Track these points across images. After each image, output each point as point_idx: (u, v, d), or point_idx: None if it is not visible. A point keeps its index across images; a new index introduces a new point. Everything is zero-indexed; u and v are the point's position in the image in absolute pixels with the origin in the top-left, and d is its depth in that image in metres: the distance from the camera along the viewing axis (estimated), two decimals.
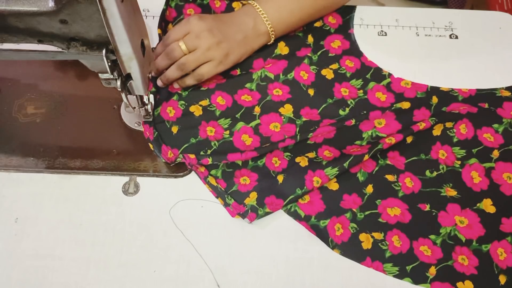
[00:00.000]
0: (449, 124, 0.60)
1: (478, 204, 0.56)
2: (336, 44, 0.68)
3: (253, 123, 0.60)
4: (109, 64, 0.46)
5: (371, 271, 0.53)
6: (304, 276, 0.52)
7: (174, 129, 0.59)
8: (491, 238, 0.54)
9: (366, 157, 0.56)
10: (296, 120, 0.61)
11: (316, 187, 0.56)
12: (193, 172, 0.58)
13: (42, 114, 0.62)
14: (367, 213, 0.55)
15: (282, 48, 0.67)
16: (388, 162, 0.58)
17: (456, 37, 0.71)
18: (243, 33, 0.63)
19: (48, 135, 0.60)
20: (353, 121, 0.60)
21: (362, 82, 0.64)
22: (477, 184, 0.57)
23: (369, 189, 0.57)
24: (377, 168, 0.58)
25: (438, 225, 0.55)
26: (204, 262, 0.52)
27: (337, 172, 0.56)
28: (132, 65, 0.47)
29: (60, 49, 0.46)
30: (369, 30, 0.71)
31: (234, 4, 0.71)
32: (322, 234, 0.54)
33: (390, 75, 0.65)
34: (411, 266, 0.52)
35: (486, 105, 0.62)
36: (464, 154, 0.59)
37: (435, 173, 0.58)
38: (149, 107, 0.58)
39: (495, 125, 0.61)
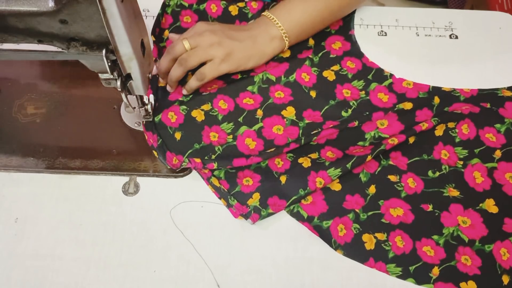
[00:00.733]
0: (451, 124, 0.60)
1: (480, 204, 0.56)
2: (337, 45, 0.68)
3: (256, 127, 0.60)
4: (109, 64, 0.46)
5: (371, 271, 0.53)
6: (304, 276, 0.52)
7: (177, 135, 0.59)
8: (494, 238, 0.54)
9: (369, 158, 0.56)
10: (299, 123, 0.61)
11: (319, 188, 0.56)
12: (193, 172, 0.58)
13: (42, 114, 0.62)
14: (370, 213, 0.55)
15: (284, 52, 0.66)
16: (390, 162, 0.58)
17: (456, 37, 0.71)
18: (252, 37, 0.62)
19: (48, 135, 0.60)
20: (356, 123, 0.60)
21: (364, 83, 0.64)
22: (480, 184, 0.57)
23: (372, 189, 0.57)
24: (379, 169, 0.58)
25: (441, 226, 0.55)
26: (204, 262, 0.52)
27: (340, 173, 0.56)
28: (132, 65, 0.47)
29: (60, 49, 0.46)
30: (369, 30, 0.71)
31: (231, 8, 0.70)
32: (325, 235, 0.54)
33: (391, 75, 0.65)
34: (414, 267, 0.52)
35: (488, 105, 0.62)
36: (466, 154, 0.59)
37: (437, 173, 0.58)
38: (149, 107, 0.58)
39: (497, 125, 0.61)
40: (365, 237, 0.54)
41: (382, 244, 0.54)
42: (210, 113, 0.60)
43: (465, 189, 0.57)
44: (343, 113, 0.62)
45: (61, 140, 0.60)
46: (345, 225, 0.54)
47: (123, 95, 0.52)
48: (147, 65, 0.52)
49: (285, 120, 0.61)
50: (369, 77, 0.65)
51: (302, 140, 0.58)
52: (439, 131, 0.60)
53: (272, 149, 0.57)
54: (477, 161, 0.59)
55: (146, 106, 0.57)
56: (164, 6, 0.70)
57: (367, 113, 0.62)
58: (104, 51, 0.45)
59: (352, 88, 0.64)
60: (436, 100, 0.63)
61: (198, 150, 0.58)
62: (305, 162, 0.57)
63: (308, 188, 0.55)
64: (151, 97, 0.60)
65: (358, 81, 0.64)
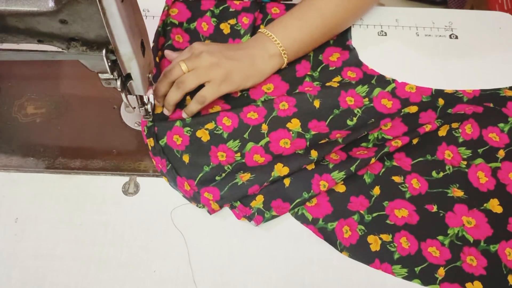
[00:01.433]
0: (455, 125, 0.60)
1: (485, 204, 0.56)
2: (334, 56, 0.67)
3: (262, 142, 0.59)
4: (109, 64, 0.46)
5: (371, 271, 0.53)
6: (304, 276, 0.52)
7: (186, 158, 0.58)
8: (499, 238, 0.54)
9: (373, 160, 0.56)
10: (305, 134, 0.60)
11: (323, 191, 0.55)
12: None
13: (42, 114, 0.62)
14: (374, 215, 0.55)
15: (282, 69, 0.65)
16: (394, 163, 0.58)
17: (456, 37, 0.71)
18: (250, 56, 0.61)
19: (48, 135, 0.60)
20: (365, 133, 0.59)
21: (367, 89, 0.64)
22: (484, 184, 0.57)
23: (376, 190, 0.57)
24: (383, 170, 0.58)
25: (446, 226, 0.55)
26: (204, 262, 0.52)
27: (344, 176, 0.55)
28: (132, 65, 0.47)
29: (60, 49, 0.46)
30: (369, 30, 0.71)
31: (222, 26, 0.69)
32: (330, 237, 0.54)
33: (394, 80, 0.65)
34: (419, 268, 0.52)
35: (491, 105, 0.62)
36: (470, 154, 0.59)
37: (441, 174, 0.58)
38: (149, 106, 0.58)
39: (501, 125, 0.61)
40: (370, 238, 0.54)
41: (388, 245, 0.54)
42: (215, 131, 0.59)
43: (469, 189, 0.57)
44: (349, 122, 0.62)
45: (61, 140, 0.60)
46: (350, 227, 0.54)
47: (123, 95, 0.52)
48: (147, 65, 0.51)
49: (291, 133, 0.60)
50: (373, 81, 0.65)
51: (316, 157, 0.56)
52: (442, 132, 0.60)
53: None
54: (481, 161, 0.59)
55: (146, 106, 0.57)
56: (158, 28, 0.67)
57: (373, 120, 0.61)
58: (104, 51, 0.45)
59: (356, 95, 0.63)
60: (441, 101, 0.63)
61: (208, 173, 0.57)
62: (308, 165, 0.57)
63: (312, 191, 0.55)
64: (151, 97, 0.60)
65: (362, 86, 0.64)
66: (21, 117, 0.61)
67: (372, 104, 0.63)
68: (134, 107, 0.56)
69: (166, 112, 0.61)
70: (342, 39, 0.69)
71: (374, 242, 0.54)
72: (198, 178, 0.56)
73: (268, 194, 0.56)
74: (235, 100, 0.63)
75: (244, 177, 0.55)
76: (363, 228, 0.54)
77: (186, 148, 0.58)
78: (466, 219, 0.55)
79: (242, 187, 0.55)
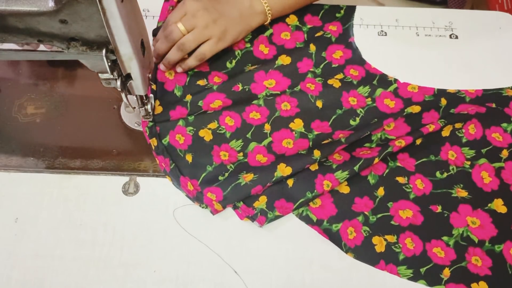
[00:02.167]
0: (458, 125, 0.60)
1: (489, 205, 0.56)
2: (338, 54, 0.67)
3: (265, 142, 0.59)
4: (109, 64, 0.46)
5: (371, 271, 0.53)
6: (304, 276, 0.52)
7: (189, 158, 0.58)
8: (504, 238, 0.54)
9: (376, 160, 0.56)
10: (308, 135, 0.60)
11: (326, 191, 0.55)
12: None
13: (42, 114, 0.62)
14: (379, 216, 0.55)
15: (284, 59, 0.66)
16: (398, 164, 0.58)
17: (456, 37, 0.71)
18: (239, 11, 0.64)
19: (48, 135, 0.60)
20: (368, 133, 0.59)
21: (369, 89, 0.64)
22: (488, 184, 0.57)
23: (381, 191, 0.57)
24: (387, 171, 0.58)
25: (450, 226, 0.55)
26: (203, 262, 0.52)
27: (347, 176, 0.55)
28: (132, 65, 0.47)
29: (60, 49, 0.46)
30: (369, 30, 0.71)
31: None
32: (335, 238, 0.54)
33: (396, 80, 0.65)
34: (425, 268, 0.52)
35: (494, 105, 0.62)
36: (474, 154, 0.59)
37: (445, 174, 0.58)
38: (149, 107, 0.58)
39: (504, 124, 0.61)
40: (375, 239, 0.54)
41: (392, 246, 0.53)
42: (218, 131, 0.59)
43: (473, 189, 0.57)
44: (351, 122, 0.61)
45: (61, 140, 0.60)
46: (354, 228, 0.54)
47: (123, 95, 0.52)
48: (147, 65, 0.52)
49: (294, 133, 0.60)
50: (374, 82, 0.65)
51: (318, 157, 0.56)
52: (445, 132, 0.60)
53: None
54: (485, 161, 0.59)
55: (146, 106, 0.57)
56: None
57: (376, 120, 0.61)
58: (104, 51, 0.45)
59: (358, 95, 0.63)
60: (443, 101, 0.63)
61: (211, 172, 0.57)
62: (313, 165, 0.57)
63: (315, 191, 0.55)
64: (151, 97, 0.60)
65: (363, 87, 0.64)
66: (21, 117, 0.61)
67: (375, 104, 0.63)
68: (134, 107, 0.56)
69: (162, 67, 0.63)
70: (344, 36, 0.69)
71: (379, 243, 0.54)
72: (201, 178, 0.56)
73: (271, 194, 0.55)
74: (236, 94, 0.63)
75: (247, 177, 0.55)
76: (367, 229, 0.54)
77: (189, 148, 0.58)
78: (471, 219, 0.55)
79: (245, 188, 0.55)
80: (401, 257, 0.53)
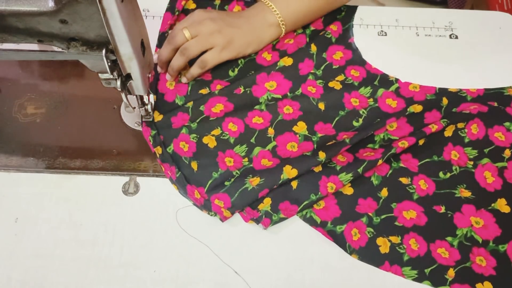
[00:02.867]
0: (460, 125, 0.60)
1: (492, 204, 0.56)
2: (338, 55, 0.67)
3: (269, 146, 0.59)
4: (109, 64, 0.46)
5: (371, 271, 0.53)
6: (304, 276, 0.52)
7: (194, 165, 0.57)
8: (508, 238, 0.54)
9: (380, 162, 0.56)
10: (312, 137, 0.60)
11: (330, 193, 0.55)
12: None
13: (42, 114, 0.62)
14: (383, 217, 0.55)
15: (286, 60, 0.65)
16: (401, 164, 0.58)
17: (456, 37, 0.71)
18: (250, 23, 0.63)
19: (48, 135, 0.60)
20: (371, 133, 0.59)
21: (371, 90, 0.64)
22: (491, 184, 0.57)
23: (384, 192, 0.56)
24: (390, 171, 0.58)
25: (454, 227, 0.55)
26: (203, 262, 0.52)
27: (351, 178, 0.55)
28: (132, 65, 0.47)
29: (60, 49, 0.46)
30: (369, 30, 0.71)
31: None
32: (339, 240, 0.54)
33: (397, 80, 0.65)
34: (429, 269, 0.52)
35: (496, 104, 0.62)
36: (476, 154, 0.59)
37: (448, 175, 0.58)
38: (149, 107, 0.58)
39: (506, 124, 0.61)
40: (380, 240, 0.54)
41: (397, 247, 0.53)
42: (221, 137, 0.59)
43: (477, 189, 0.57)
44: (354, 123, 0.61)
45: (61, 140, 0.60)
46: (359, 229, 0.54)
47: (123, 95, 0.52)
48: (147, 65, 0.52)
49: (298, 136, 0.60)
50: (375, 83, 0.64)
51: (324, 159, 0.56)
52: (448, 132, 0.60)
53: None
54: (487, 161, 0.59)
55: (146, 106, 0.57)
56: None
57: (378, 119, 0.61)
58: (104, 51, 0.45)
59: (360, 96, 0.63)
60: (445, 101, 0.63)
61: (218, 179, 0.56)
62: (316, 166, 0.57)
63: (319, 193, 0.55)
64: (151, 97, 0.60)
65: (365, 88, 0.64)
66: (21, 117, 0.61)
67: (377, 105, 0.63)
68: (134, 107, 0.56)
69: (168, 77, 0.63)
70: (344, 36, 0.69)
71: (383, 244, 0.53)
72: (207, 185, 0.56)
73: (275, 196, 0.55)
74: (238, 97, 0.62)
75: (253, 181, 0.55)
76: (372, 230, 0.54)
77: (194, 155, 0.58)
78: (474, 219, 0.55)
79: (252, 192, 0.54)
80: (405, 258, 0.53)
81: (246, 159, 0.58)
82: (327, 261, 0.53)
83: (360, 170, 0.55)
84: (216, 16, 0.62)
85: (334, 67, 0.66)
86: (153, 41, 0.67)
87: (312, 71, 0.65)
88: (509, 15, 0.74)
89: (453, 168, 0.58)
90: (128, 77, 0.49)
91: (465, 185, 0.57)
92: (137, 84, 0.51)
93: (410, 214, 0.55)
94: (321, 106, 0.62)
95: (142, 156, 0.59)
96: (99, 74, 0.48)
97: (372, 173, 0.57)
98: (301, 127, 0.60)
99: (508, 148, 0.59)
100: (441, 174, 0.58)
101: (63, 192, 0.56)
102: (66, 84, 0.65)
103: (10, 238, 0.53)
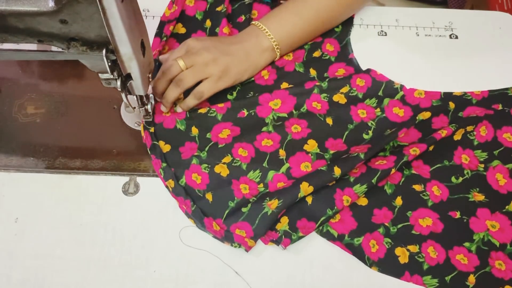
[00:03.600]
0: (469, 128, 0.60)
1: (507, 207, 0.56)
2: (340, 72, 0.66)
3: (283, 169, 0.57)
4: (109, 64, 0.46)
5: (371, 271, 0.53)
6: (304, 276, 0.52)
7: (209, 197, 0.55)
8: None
9: (393, 170, 0.56)
10: (324, 155, 0.59)
11: (346, 206, 0.55)
12: None
13: (42, 114, 0.62)
14: (399, 226, 0.55)
15: (287, 85, 0.64)
16: (413, 171, 0.58)
17: (456, 37, 0.71)
18: (244, 50, 0.62)
19: (48, 135, 0.60)
20: (387, 146, 0.58)
21: (376, 100, 0.63)
22: (503, 186, 0.57)
23: (398, 201, 0.56)
24: (403, 179, 0.57)
25: (471, 232, 0.54)
26: (203, 262, 0.52)
27: (366, 189, 0.55)
28: (132, 65, 0.47)
29: (60, 49, 0.46)
30: (369, 30, 0.71)
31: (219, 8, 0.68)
32: (358, 253, 0.53)
33: (402, 87, 0.65)
34: (450, 277, 0.52)
35: (500, 106, 0.62)
36: (486, 156, 0.59)
37: (460, 179, 0.58)
38: (149, 107, 0.58)
39: None
40: (398, 250, 0.53)
41: (416, 256, 0.53)
42: (233, 164, 0.57)
43: (490, 192, 0.57)
44: (365, 136, 0.61)
45: (61, 140, 0.60)
46: (376, 241, 0.54)
47: (123, 95, 0.52)
48: (147, 65, 0.51)
49: (310, 155, 0.59)
50: (380, 93, 0.64)
51: (336, 173, 0.55)
52: (457, 136, 0.60)
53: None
54: (498, 163, 0.58)
55: (146, 106, 0.57)
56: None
57: (388, 130, 0.61)
58: (104, 51, 0.45)
59: (367, 107, 0.63)
60: (452, 105, 0.63)
61: (234, 208, 0.54)
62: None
63: (335, 207, 0.54)
64: (151, 97, 0.60)
65: (370, 99, 0.63)
66: (21, 117, 0.61)
67: (384, 115, 0.62)
68: (134, 107, 0.56)
69: (163, 109, 0.61)
70: (343, 53, 0.68)
71: (402, 254, 0.53)
72: (224, 215, 0.54)
73: (291, 214, 0.54)
74: (243, 121, 0.61)
75: (272, 204, 0.53)
76: (389, 240, 0.54)
77: (208, 187, 0.56)
78: (490, 223, 0.55)
79: (272, 216, 0.53)
80: (425, 266, 0.52)
81: (262, 184, 0.56)
82: (327, 262, 0.53)
83: (374, 180, 0.55)
84: (210, 45, 0.60)
85: (339, 78, 0.65)
86: (152, 40, 0.67)
87: (317, 84, 0.64)
88: (509, 15, 0.74)
89: (465, 172, 0.58)
90: (128, 77, 0.49)
91: (478, 189, 0.57)
92: (137, 84, 0.51)
93: (426, 221, 0.55)
94: (329, 121, 0.61)
95: (142, 156, 0.59)
96: (99, 74, 0.48)
97: (385, 182, 0.57)
98: (312, 145, 0.59)
99: None
100: (453, 179, 0.58)
101: (63, 192, 0.56)
102: (66, 84, 0.65)
103: (10, 238, 0.53)
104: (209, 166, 0.57)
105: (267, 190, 0.56)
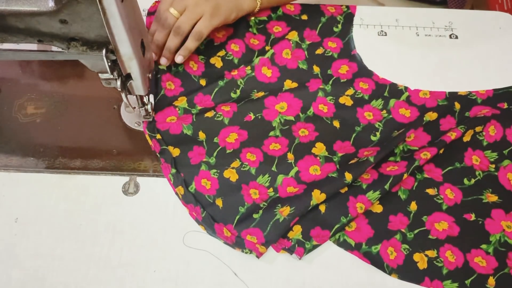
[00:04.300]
0: (478, 129, 0.60)
1: None
2: (344, 69, 0.66)
3: (292, 172, 0.57)
4: (109, 64, 0.46)
5: (371, 271, 0.53)
6: (304, 276, 0.52)
7: (219, 202, 0.55)
8: None
9: (405, 176, 0.56)
10: (333, 158, 0.58)
11: (360, 213, 0.54)
12: None
13: (42, 114, 0.62)
14: (416, 231, 0.54)
15: (290, 85, 0.65)
16: (425, 175, 0.58)
17: (456, 37, 0.71)
18: None
19: (48, 135, 0.60)
20: (397, 150, 0.58)
21: (382, 102, 0.63)
22: None
23: (413, 206, 0.56)
24: (416, 184, 0.57)
25: (487, 234, 0.54)
26: (203, 262, 0.52)
27: (379, 196, 0.55)
28: (132, 65, 0.47)
29: (60, 49, 0.46)
30: (369, 30, 0.71)
31: (212, 60, 0.66)
32: (377, 261, 0.53)
33: (406, 88, 0.65)
34: (470, 280, 0.52)
35: (505, 105, 0.62)
36: (497, 156, 0.59)
37: (473, 181, 0.58)
38: (149, 107, 0.58)
39: None
40: (416, 256, 0.53)
41: (434, 261, 0.53)
42: (242, 169, 0.57)
43: (503, 192, 0.57)
44: (372, 138, 0.61)
45: (61, 140, 0.60)
46: (394, 247, 0.53)
47: (123, 95, 0.52)
48: (147, 65, 0.52)
49: (319, 158, 0.58)
50: (386, 94, 0.64)
51: (348, 178, 0.55)
52: (466, 137, 0.60)
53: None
54: (509, 163, 0.58)
55: (146, 106, 0.57)
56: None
57: (396, 131, 0.61)
58: (104, 51, 0.45)
59: (373, 109, 0.63)
60: (457, 106, 0.63)
61: (245, 214, 0.54)
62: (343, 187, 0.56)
63: (349, 215, 0.54)
64: (151, 97, 0.60)
65: (376, 100, 0.63)
66: (21, 117, 0.61)
67: (391, 116, 0.62)
68: (134, 107, 0.56)
69: (164, 61, 0.63)
70: (346, 49, 0.68)
71: (421, 260, 0.53)
72: (235, 221, 0.54)
73: (305, 223, 0.54)
74: (250, 124, 0.60)
75: (284, 211, 0.53)
76: (407, 247, 0.53)
77: (217, 192, 0.56)
78: (505, 223, 0.55)
79: (284, 223, 0.53)
80: (444, 271, 0.52)
81: (271, 189, 0.56)
82: (327, 261, 0.53)
83: (387, 186, 0.55)
84: None
85: (342, 80, 0.65)
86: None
87: (321, 87, 0.64)
88: (509, 15, 0.74)
89: (476, 173, 0.58)
90: (128, 77, 0.50)
91: (490, 190, 0.57)
92: (137, 84, 0.51)
93: (442, 225, 0.55)
94: (336, 124, 0.61)
95: (142, 156, 0.59)
96: (99, 74, 0.48)
97: (398, 188, 0.57)
98: (320, 149, 0.59)
99: None
100: (465, 181, 0.57)
101: (63, 192, 0.56)
102: (66, 84, 0.65)
103: (10, 238, 0.53)
104: (218, 171, 0.57)
105: (277, 195, 0.55)
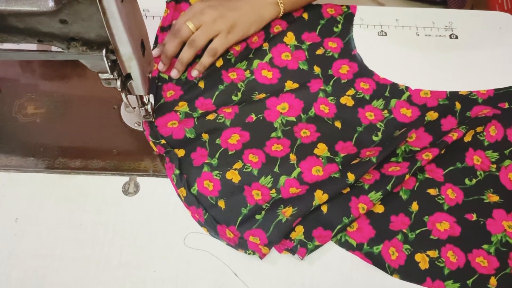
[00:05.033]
0: (479, 129, 0.60)
1: None
2: (344, 69, 0.66)
3: (295, 173, 0.57)
4: (109, 64, 0.46)
5: (371, 271, 0.53)
6: (304, 276, 0.52)
7: (221, 204, 0.55)
8: None
9: (407, 176, 0.56)
10: (335, 158, 0.58)
11: (362, 214, 0.54)
12: None
13: (42, 114, 0.62)
14: (417, 231, 0.54)
15: (291, 85, 0.65)
16: (427, 175, 0.58)
17: (456, 37, 0.71)
18: (249, 3, 0.65)
19: (48, 135, 0.60)
20: (399, 151, 0.58)
21: (383, 102, 0.63)
22: None
23: (415, 206, 0.56)
24: (417, 184, 0.57)
25: (488, 233, 0.54)
26: (203, 262, 0.52)
27: (381, 196, 0.55)
28: (132, 65, 0.47)
29: (60, 49, 0.46)
30: (369, 30, 0.71)
31: (217, 63, 0.66)
32: (378, 261, 0.53)
33: (407, 88, 0.65)
34: (471, 280, 0.52)
35: (506, 105, 0.63)
36: (498, 156, 0.59)
37: (474, 181, 0.58)
38: (149, 107, 0.58)
39: None
40: (418, 257, 0.53)
41: (436, 262, 0.53)
42: (244, 170, 0.57)
43: (504, 192, 0.57)
44: (374, 138, 0.61)
45: (61, 140, 0.60)
46: (396, 248, 0.53)
47: (123, 95, 0.52)
48: (147, 65, 0.52)
49: (321, 159, 0.58)
50: (386, 94, 0.64)
51: (350, 179, 0.55)
52: (467, 137, 0.60)
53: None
54: (510, 163, 0.58)
55: (146, 106, 0.57)
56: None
57: (397, 131, 0.61)
58: (104, 51, 0.45)
59: (374, 109, 0.63)
60: (458, 105, 0.63)
61: (247, 215, 0.54)
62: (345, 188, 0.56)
63: (351, 215, 0.54)
64: (151, 97, 0.60)
65: (377, 100, 0.63)
66: (21, 117, 0.61)
67: (392, 116, 0.62)
68: (134, 107, 0.56)
69: (174, 73, 0.63)
70: (346, 49, 0.68)
71: (422, 260, 0.53)
72: (238, 222, 0.54)
73: (307, 223, 0.54)
74: (252, 125, 0.60)
75: (286, 212, 0.53)
76: (408, 247, 0.53)
77: (220, 194, 0.56)
78: (507, 223, 0.55)
79: (287, 223, 0.52)
80: (446, 271, 0.52)
81: (274, 190, 0.56)
82: (327, 261, 0.53)
83: (389, 187, 0.55)
84: (215, 3, 0.63)
85: (342, 81, 0.65)
86: (152, 40, 0.67)
87: (322, 87, 0.64)
88: (509, 15, 0.74)
89: (478, 173, 0.58)
90: (128, 77, 0.50)
91: (492, 190, 0.57)
92: (137, 84, 0.51)
93: (443, 225, 0.55)
94: (338, 124, 0.61)
95: (142, 156, 0.59)
96: (99, 74, 0.48)
97: (399, 188, 0.57)
98: (322, 149, 0.59)
99: None
100: (467, 181, 0.57)
101: (63, 192, 0.56)
102: (66, 84, 0.65)
103: (10, 238, 0.53)
104: (221, 172, 0.57)
105: (280, 196, 0.55)
